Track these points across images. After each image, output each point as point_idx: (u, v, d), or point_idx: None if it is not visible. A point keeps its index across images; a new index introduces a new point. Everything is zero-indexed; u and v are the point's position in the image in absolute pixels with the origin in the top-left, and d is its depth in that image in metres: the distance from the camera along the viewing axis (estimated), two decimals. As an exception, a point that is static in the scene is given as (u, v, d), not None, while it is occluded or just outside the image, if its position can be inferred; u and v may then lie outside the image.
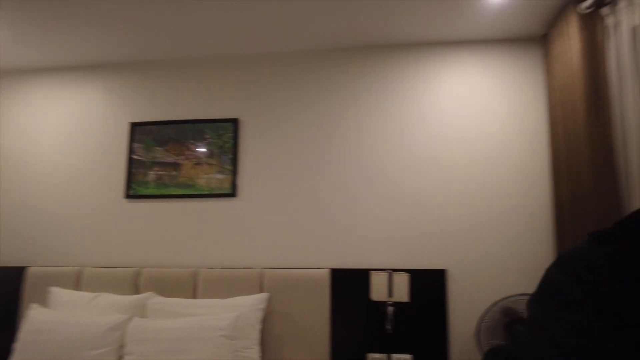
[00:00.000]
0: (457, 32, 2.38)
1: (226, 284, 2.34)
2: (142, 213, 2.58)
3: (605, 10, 1.93)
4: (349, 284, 2.35)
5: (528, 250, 2.30)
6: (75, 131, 2.75)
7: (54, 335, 2.01)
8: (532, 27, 2.32)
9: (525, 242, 2.30)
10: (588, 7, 1.94)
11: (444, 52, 2.51)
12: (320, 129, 2.55)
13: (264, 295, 2.24)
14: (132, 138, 2.64)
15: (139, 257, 2.55)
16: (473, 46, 2.49)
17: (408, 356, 2.25)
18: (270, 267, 2.43)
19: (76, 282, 2.43)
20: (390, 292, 2.14)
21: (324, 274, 2.35)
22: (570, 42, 2.01)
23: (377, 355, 2.27)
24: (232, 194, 2.54)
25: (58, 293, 2.31)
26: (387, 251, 2.40)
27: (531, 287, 2.23)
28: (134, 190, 2.58)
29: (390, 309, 2.21)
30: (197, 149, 2.59)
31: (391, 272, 2.17)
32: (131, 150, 2.63)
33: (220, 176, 2.56)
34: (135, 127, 2.65)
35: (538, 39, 2.43)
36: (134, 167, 2.61)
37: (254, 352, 2.05)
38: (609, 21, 1.91)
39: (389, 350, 2.27)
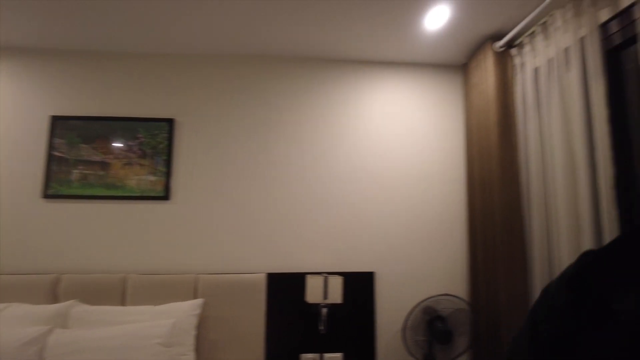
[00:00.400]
0: (393, 53, 2.60)
1: (158, 290, 2.26)
2: (64, 214, 2.37)
3: (514, 51, 2.27)
4: (285, 288, 2.42)
5: (446, 254, 2.58)
6: (-21, 121, 2.43)
7: (-46, 353, 1.77)
8: (455, 56, 2.63)
9: (444, 246, 2.59)
10: (501, 47, 2.27)
11: (378, 70, 2.71)
12: (258, 135, 2.58)
13: (198, 301, 2.21)
14: (53, 133, 2.41)
15: (59, 262, 2.33)
16: (404, 68, 2.73)
17: (339, 355, 2.38)
18: (205, 272, 2.40)
19: (-23, 292, 2.15)
20: (325, 295, 2.25)
21: (260, 279, 2.38)
22: (487, 74, 2.32)
23: (310, 356, 2.37)
24: (165, 196, 2.45)
25: (-45, 305, 2.03)
26: (321, 255, 2.52)
27: (449, 287, 2.53)
28: (54, 190, 2.36)
29: (324, 310, 2.33)
30: (128, 149, 2.46)
31: (326, 275, 2.29)
32: (51, 146, 2.40)
33: (152, 178, 2.46)
34: (56, 120, 2.43)
35: (459, 67, 2.75)
36: (54, 165, 2.38)
37: (190, 358, 2.01)
38: (517, 61, 2.25)
39: (321, 350, 2.38)
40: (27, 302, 2.11)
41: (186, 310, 2.12)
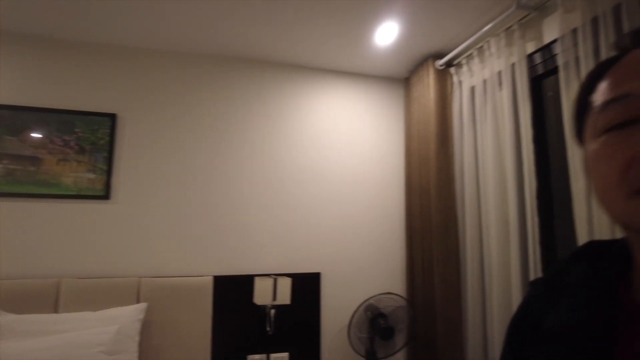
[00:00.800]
0: (343, 63, 2.71)
1: (96, 295, 2.13)
2: (-14, 214, 2.14)
3: (453, 70, 2.50)
4: (232, 290, 2.41)
5: (387, 254, 2.75)
6: None
7: None
8: (399, 70, 2.81)
9: (385, 247, 2.75)
10: (441, 65, 2.48)
11: (328, 78, 2.81)
12: (205, 135, 2.54)
13: (142, 305, 2.12)
14: (-27, 122, 2.16)
15: (-21, 267, 2.09)
16: (352, 77, 2.86)
17: (285, 354, 2.43)
18: (148, 275, 2.31)
19: None
20: (274, 296, 2.29)
21: (207, 281, 2.35)
22: (428, 89, 2.53)
23: (256, 357, 2.38)
24: (105, 196, 2.31)
25: None
26: (269, 257, 2.55)
27: (390, 286, 2.69)
28: (-27, 186, 2.12)
29: (273, 311, 2.36)
30: (64, 144, 2.28)
31: (276, 277, 2.33)
32: (-30, 137, 2.15)
33: (91, 176, 2.31)
34: (-23, 109, 2.18)
35: (401, 81, 2.95)
36: (-26, 158, 2.14)
37: (133, 366, 1.93)
38: (455, 79, 2.48)
39: (269, 350, 2.41)
40: (-61, 312, 1.87)
41: (130, 315, 2.02)
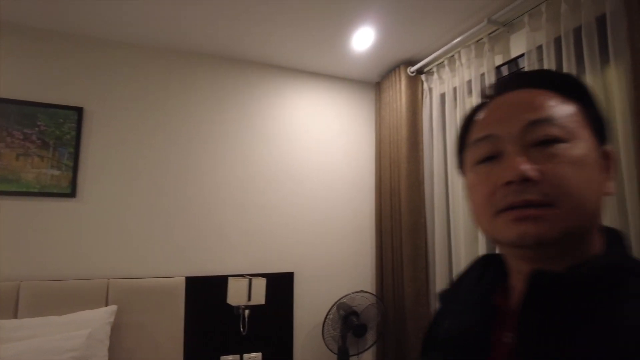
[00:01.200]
0: (318, 65, 2.74)
1: (61, 299, 2.02)
2: (-63, 212, 1.96)
3: (424, 77, 2.62)
4: (205, 291, 2.37)
5: (358, 254, 2.82)
6: None
7: None
8: (371, 74, 2.90)
9: (356, 247, 2.82)
10: (413, 72, 2.59)
11: (302, 79, 2.83)
12: (176, 133, 2.48)
13: (112, 308, 2.04)
14: None
15: None
16: (326, 79, 2.91)
17: (258, 354, 2.43)
18: (117, 277, 2.22)
19: None
20: (249, 296, 2.28)
21: (179, 282, 2.30)
22: (400, 94, 2.63)
23: (229, 357, 2.36)
24: (70, 194, 2.20)
25: None
26: (242, 257, 2.53)
27: (360, 285, 2.76)
28: None
29: (247, 312, 2.35)
30: (25, 137, 2.14)
31: (250, 277, 2.32)
32: None
33: (55, 172, 2.18)
34: None
35: (373, 85, 3.04)
36: None
37: (105, 371, 1.85)
38: (426, 86, 2.60)
39: (242, 350, 2.39)
40: None
41: (100, 318, 1.94)
